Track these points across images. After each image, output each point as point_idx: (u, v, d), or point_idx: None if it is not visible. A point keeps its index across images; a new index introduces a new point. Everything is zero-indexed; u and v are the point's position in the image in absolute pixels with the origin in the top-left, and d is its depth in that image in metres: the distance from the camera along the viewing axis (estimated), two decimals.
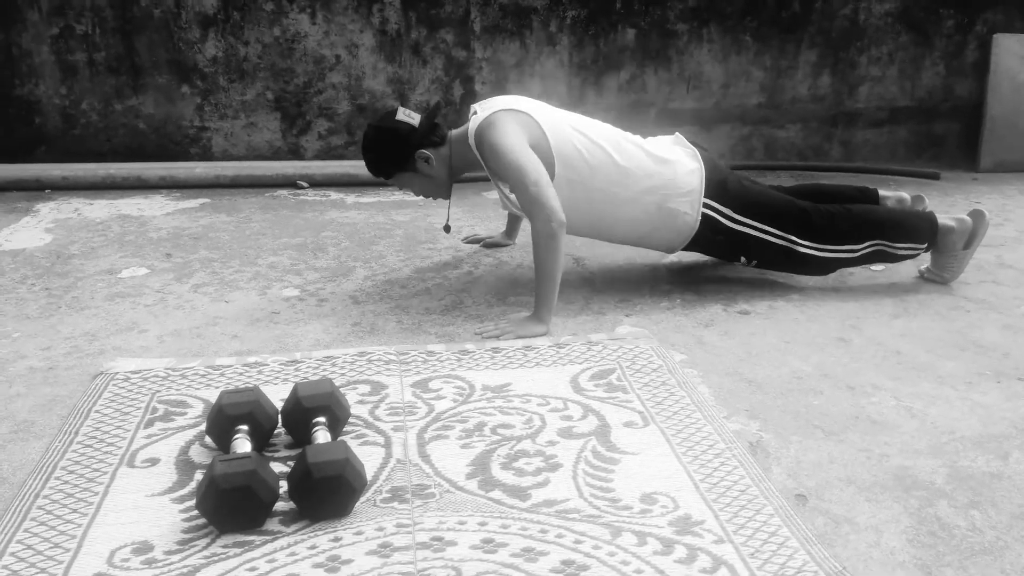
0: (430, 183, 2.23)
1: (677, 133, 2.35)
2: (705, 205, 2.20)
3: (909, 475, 1.44)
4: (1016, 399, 1.72)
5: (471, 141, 2.12)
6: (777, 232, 2.23)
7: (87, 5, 3.39)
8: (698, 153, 2.24)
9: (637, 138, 2.24)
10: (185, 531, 1.26)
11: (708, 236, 2.23)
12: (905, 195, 2.46)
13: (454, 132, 2.23)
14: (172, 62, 3.50)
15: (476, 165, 2.18)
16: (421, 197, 2.29)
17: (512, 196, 2.16)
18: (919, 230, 2.29)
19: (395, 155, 2.17)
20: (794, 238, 2.23)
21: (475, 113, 2.15)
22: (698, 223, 2.21)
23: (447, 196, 2.30)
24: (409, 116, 2.16)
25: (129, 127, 3.55)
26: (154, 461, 1.44)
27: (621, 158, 2.15)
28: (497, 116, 2.08)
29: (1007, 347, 1.98)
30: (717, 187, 2.21)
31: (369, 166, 2.23)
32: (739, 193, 2.23)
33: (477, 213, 3.07)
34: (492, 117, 2.08)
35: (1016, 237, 2.90)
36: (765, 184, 2.43)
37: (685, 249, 2.32)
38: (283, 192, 3.40)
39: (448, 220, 2.47)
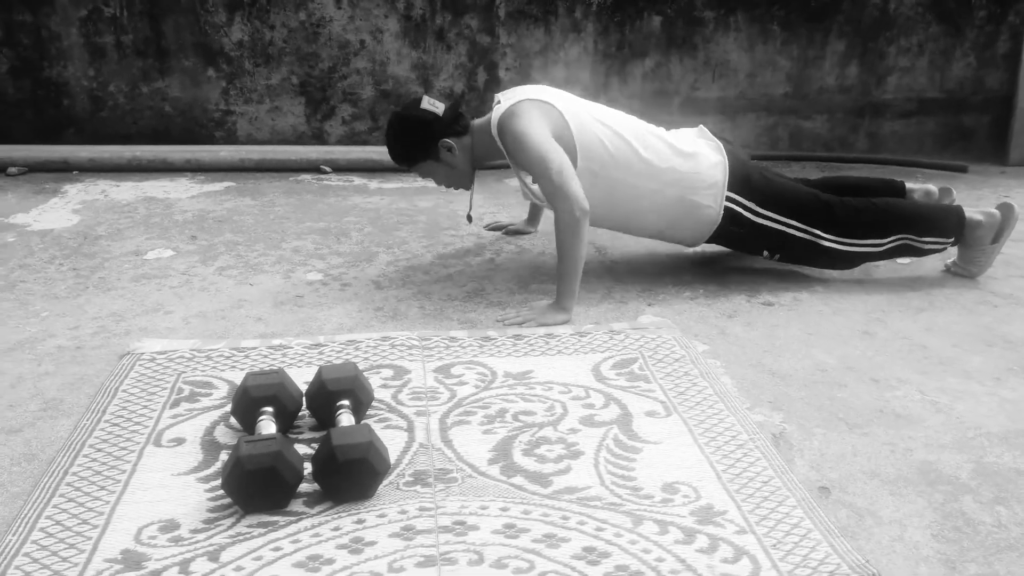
0: (453, 172, 2.23)
1: (701, 126, 2.34)
2: (728, 199, 2.18)
3: (934, 469, 1.43)
4: None
5: (494, 131, 2.12)
6: (800, 226, 2.21)
7: None
8: (722, 146, 2.23)
9: (660, 130, 2.23)
10: (211, 510, 1.27)
11: (731, 229, 2.22)
12: (933, 188, 2.43)
13: (477, 121, 2.22)
14: (198, 45, 3.51)
15: (498, 154, 2.18)
16: (443, 186, 2.29)
17: (534, 187, 2.16)
18: (946, 224, 2.27)
19: (419, 143, 2.18)
20: (818, 232, 2.21)
21: (498, 103, 2.15)
22: (721, 216, 2.19)
23: (469, 186, 2.30)
24: (433, 105, 2.17)
25: (155, 110, 3.57)
26: (180, 441, 1.46)
27: (644, 150, 2.14)
28: (520, 106, 2.08)
29: None
30: (740, 180, 2.19)
31: (392, 154, 2.23)
32: (762, 187, 2.21)
33: (499, 200, 3.07)
34: (515, 107, 2.08)
35: None
36: (790, 177, 2.41)
37: (708, 242, 2.30)
38: (307, 177, 3.42)
39: (470, 210, 2.47)
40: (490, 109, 2.19)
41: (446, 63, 3.66)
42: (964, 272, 2.36)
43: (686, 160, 2.17)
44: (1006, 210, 2.28)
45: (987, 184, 3.49)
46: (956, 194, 2.45)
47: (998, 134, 3.99)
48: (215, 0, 3.46)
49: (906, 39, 3.88)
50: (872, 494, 1.35)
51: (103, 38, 3.46)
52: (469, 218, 2.46)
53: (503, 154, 2.15)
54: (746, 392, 1.69)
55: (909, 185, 2.44)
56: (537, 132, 2.03)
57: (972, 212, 2.28)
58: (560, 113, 2.10)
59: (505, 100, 2.14)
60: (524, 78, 3.70)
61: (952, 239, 2.28)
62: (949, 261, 2.41)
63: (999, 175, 3.69)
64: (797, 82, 3.88)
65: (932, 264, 2.43)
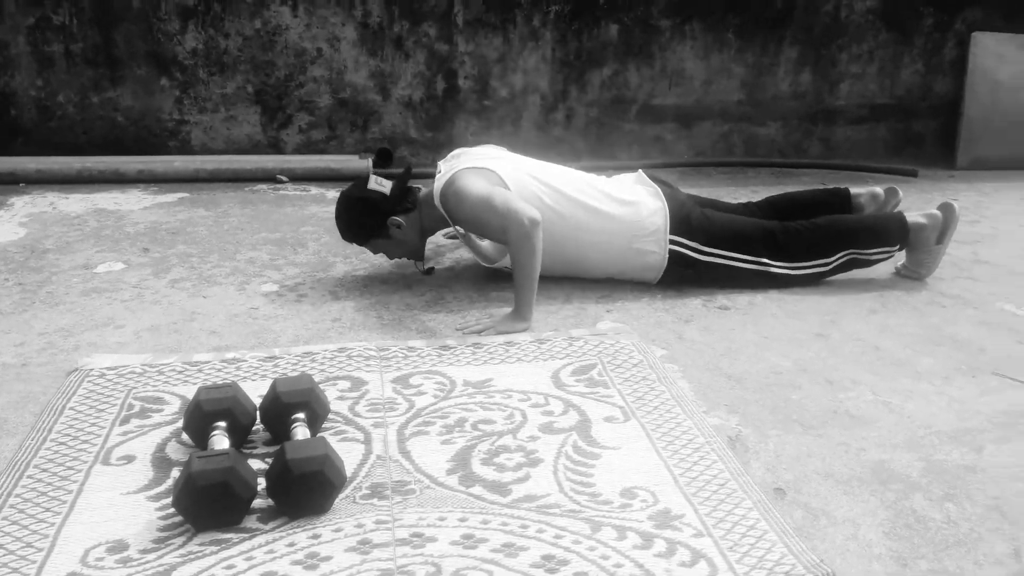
0: (403, 246, 2.27)
1: (640, 171, 2.39)
2: (672, 242, 2.22)
3: (886, 468, 1.45)
4: (991, 394, 1.74)
5: (436, 201, 2.16)
6: (748, 258, 2.26)
7: None
8: (660, 191, 2.27)
9: (600, 181, 2.29)
10: (161, 529, 1.24)
11: (681, 270, 2.26)
12: (878, 189, 2.48)
13: (423, 192, 2.26)
14: (151, 54, 3.46)
15: (444, 223, 2.23)
16: (395, 259, 2.32)
17: (483, 243, 2.24)
18: (889, 232, 2.32)
19: (367, 223, 2.22)
20: (765, 260, 2.26)
21: (440, 172, 2.20)
22: (667, 260, 2.23)
23: (420, 257, 2.34)
24: (380, 184, 2.22)
25: (107, 119, 3.50)
26: (130, 458, 1.42)
27: (586, 204, 2.21)
28: (459, 174, 2.13)
29: (982, 342, 2.00)
30: (682, 223, 2.23)
31: (342, 233, 2.28)
32: (704, 226, 2.25)
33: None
34: (454, 175, 2.13)
35: (991, 234, 2.93)
36: (732, 205, 2.45)
37: (661, 283, 2.29)
38: (263, 186, 3.38)
39: (425, 266, 2.37)
40: (437, 170, 2.22)
41: (404, 71, 3.65)
42: (913, 274, 2.41)
43: (627, 209, 2.23)
44: (947, 210, 2.34)
45: (936, 188, 3.57)
46: (902, 193, 2.50)
47: (946, 139, 4.09)
48: (168, 8, 3.41)
49: (857, 46, 3.96)
50: (826, 494, 1.37)
51: (51, 47, 3.39)
52: (427, 271, 2.36)
53: (448, 222, 2.19)
54: (703, 396, 1.70)
55: (854, 190, 2.48)
56: (477, 188, 2.08)
57: (914, 216, 2.33)
58: (500, 178, 2.15)
59: (446, 169, 2.19)
60: (483, 86, 3.70)
61: (897, 245, 2.33)
62: (899, 264, 2.46)
63: (948, 179, 3.78)
64: (751, 89, 3.94)
65: (883, 267, 2.47)
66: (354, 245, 2.35)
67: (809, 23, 3.89)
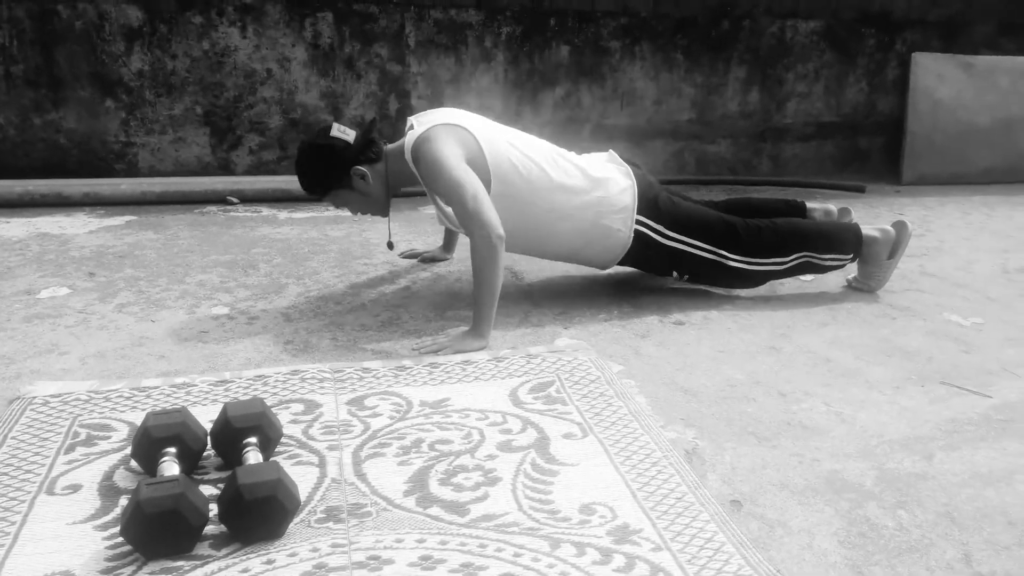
0: (367, 200, 2.20)
1: (611, 151, 2.38)
2: (637, 222, 2.23)
3: (839, 478, 1.47)
4: (939, 402, 1.78)
5: (408, 156, 2.10)
6: (707, 247, 2.27)
7: (3, 16, 3.27)
8: (631, 171, 2.28)
9: (572, 155, 2.26)
10: (109, 559, 1.20)
11: (641, 252, 2.26)
12: (832, 207, 2.54)
13: (390, 147, 2.20)
14: (95, 75, 3.39)
15: (413, 180, 2.16)
16: (358, 214, 2.26)
17: (448, 210, 2.15)
18: (844, 241, 2.36)
19: (330, 172, 2.14)
20: (724, 252, 2.28)
21: (411, 127, 2.14)
22: (631, 240, 2.23)
23: (385, 213, 2.27)
24: (344, 132, 2.13)
25: (49, 142, 3.42)
26: (76, 488, 1.38)
27: (556, 175, 2.17)
28: (434, 131, 2.07)
29: (930, 352, 2.05)
30: (649, 204, 2.24)
31: (303, 184, 2.18)
32: (670, 210, 2.27)
33: (414, 228, 3.05)
34: (429, 132, 2.07)
35: (937, 247, 3.02)
36: (697, 200, 2.48)
37: (619, 264, 2.34)
38: (213, 208, 3.33)
39: (390, 236, 2.44)
40: (404, 134, 2.17)
41: (356, 91, 3.64)
42: (864, 287, 2.46)
43: (597, 185, 2.21)
44: (900, 228, 2.40)
45: (883, 203, 3.67)
46: (855, 213, 2.56)
47: (891, 155, 4.22)
48: (112, 29, 3.35)
49: (803, 66, 4.07)
50: (782, 505, 1.38)
51: None
52: (390, 245, 2.42)
53: (417, 180, 2.13)
54: (660, 410, 1.71)
55: (810, 205, 2.54)
56: (451, 158, 2.03)
57: (868, 229, 2.38)
58: (474, 138, 2.10)
59: (419, 125, 2.12)
60: (436, 106, 3.70)
61: (851, 255, 2.38)
62: (850, 277, 2.51)
63: (894, 194, 3.89)
64: (701, 108, 4.02)
65: (834, 280, 2.53)
66: (304, 264, 2.32)
67: (755, 44, 3.98)
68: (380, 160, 2.17)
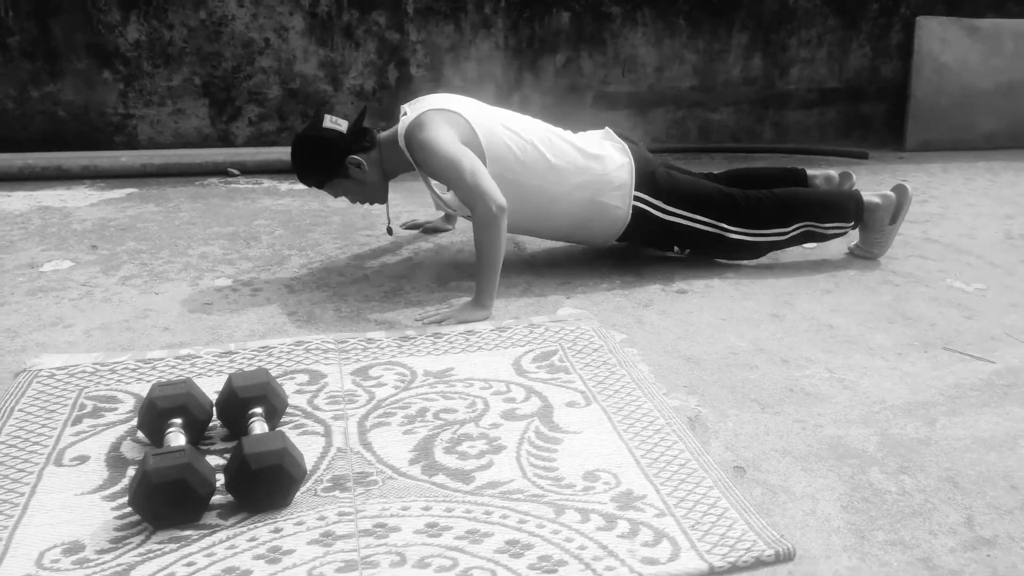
0: (364, 188, 2.20)
1: (607, 128, 2.37)
2: (636, 198, 2.22)
3: (842, 444, 1.48)
4: (942, 368, 1.78)
5: (401, 143, 2.10)
6: (707, 220, 2.27)
7: None
8: (627, 147, 2.27)
9: (568, 133, 2.26)
10: (118, 529, 1.21)
11: (640, 228, 2.26)
12: (833, 173, 2.52)
13: (383, 134, 2.20)
14: (91, 46, 3.36)
15: (408, 166, 2.16)
16: (357, 203, 2.26)
17: (446, 196, 2.17)
18: (845, 209, 2.35)
19: (325, 163, 2.14)
20: (724, 225, 2.27)
21: (404, 114, 2.13)
22: (630, 216, 2.23)
23: (383, 200, 2.27)
24: (336, 123, 2.14)
25: (47, 115, 3.40)
26: (83, 459, 1.39)
27: (552, 155, 2.16)
28: (426, 116, 2.07)
29: (933, 318, 2.05)
30: (647, 180, 2.23)
31: (300, 176, 2.19)
32: (668, 185, 2.26)
33: (416, 199, 3.04)
34: (421, 117, 2.07)
35: (940, 213, 3.01)
36: (695, 172, 2.46)
37: (619, 241, 2.33)
38: (213, 180, 3.31)
39: (389, 222, 2.43)
40: (400, 112, 2.16)
41: (355, 60, 3.60)
42: (866, 254, 2.46)
43: (593, 163, 2.20)
44: (901, 192, 2.39)
45: (886, 170, 3.64)
46: (856, 178, 2.54)
47: (895, 121, 4.18)
48: None
49: (806, 31, 4.02)
50: (785, 471, 1.39)
51: None
52: (389, 231, 2.42)
53: (412, 166, 2.13)
54: (662, 378, 1.71)
55: (810, 172, 2.52)
56: (445, 138, 2.02)
57: (869, 195, 2.37)
58: (467, 121, 2.10)
59: (411, 111, 2.12)
60: (436, 75, 3.68)
61: (852, 223, 2.37)
62: (852, 244, 2.50)
63: (897, 160, 3.86)
64: (704, 75, 3.98)
65: (836, 247, 2.52)
66: (307, 235, 2.32)
67: (758, 9, 3.93)
68: (374, 148, 2.17)
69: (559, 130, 2.25)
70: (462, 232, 2.65)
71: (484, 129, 2.11)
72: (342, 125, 2.13)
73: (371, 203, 2.27)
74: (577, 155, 2.19)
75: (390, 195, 2.28)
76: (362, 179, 2.16)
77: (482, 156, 2.08)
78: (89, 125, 3.45)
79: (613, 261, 2.42)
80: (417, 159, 2.08)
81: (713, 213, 2.27)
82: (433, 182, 2.15)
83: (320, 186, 2.20)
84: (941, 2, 4.09)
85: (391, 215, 2.50)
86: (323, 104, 3.61)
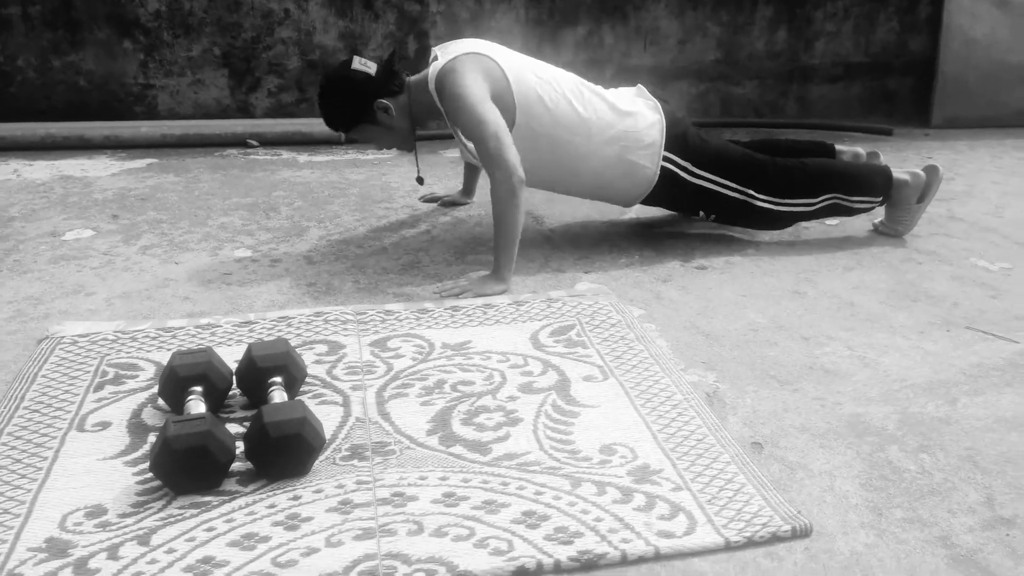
0: (392, 134, 2.16)
1: (639, 85, 2.33)
2: (665, 159, 2.19)
3: (861, 422, 1.47)
4: (964, 347, 1.76)
5: (431, 87, 2.05)
6: (735, 186, 2.23)
7: None
8: (659, 106, 2.23)
9: (599, 88, 2.21)
10: (139, 494, 1.23)
11: (667, 190, 2.23)
12: (860, 150, 2.48)
13: (413, 79, 2.15)
14: (112, 16, 3.36)
15: (437, 113, 2.12)
16: (383, 150, 2.22)
17: (471, 144, 2.13)
18: (874, 184, 2.32)
19: (353, 106, 2.10)
20: (752, 192, 2.24)
21: (435, 58, 2.08)
22: (657, 176, 2.20)
23: (411, 147, 2.24)
24: (365, 65, 2.09)
25: (69, 84, 3.41)
26: (105, 425, 1.41)
27: (583, 108, 2.12)
28: (458, 61, 2.02)
29: (956, 297, 2.02)
30: (677, 141, 2.20)
31: (326, 119, 2.15)
32: (698, 147, 2.22)
33: (434, 172, 3.03)
34: (453, 62, 2.02)
35: (966, 191, 2.96)
36: (724, 138, 2.43)
37: (644, 203, 2.31)
38: (233, 151, 3.32)
39: (419, 172, 2.40)
40: (431, 57, 2.11)
41: (375, 32, 3.58)
42: (891, 231, 2.42)
43: (624, 119, 2.16)
44: (931, 172, 2.35)
45: (911, 147, 3.58)
46: (883, 156, 2.50)
47: (921, 97, 4.10)
48: None
49: (832, 4, 3.94)
50: (803, 448, 1.39)
51: (8, 9, 3.28)
52: (420, 180, 2.39)
53: (441, 113, 2.10)
54: (680, 354, 1.70)
55: (838, 147, 2.48)
56: (475, 93, 1.98)
57: (899, 172, 2.33)
58: (500, 68, 2.05)
59: (443, 55, 2.07)
60: None
61: (880, 198, 2.34)
62: (876, 221, 2.47)
63: (923, 137, 3.80)
64: (727, 48, 3.92)
65: (860, 224, 2.49)
66: (325, 207, 2.31)
67: None
68: (403, 92, 2.13)
69: (591, 84, 2.21)
70: (480, 206, 2.64)
71: (517, 76, 2.06)
72: (371, 67, 2.09)
73: (399, 149, 2.24)
74: (608, 110, 2.15)
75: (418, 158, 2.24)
76: (390, 124, 2.12)
77: (513, 105, 2.04)
78: (110, 95, 3.45)
79: (632, 236, 2.41)
80: (445, 107, 2.04)
81: (742, 179, 2.23)
82: (462, 132, 2.13)
83: (347, 130, 2.16)
84: None
85: (419, 165, 2.45)
86: None
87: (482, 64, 2.03)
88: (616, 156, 2.16)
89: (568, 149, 2.14)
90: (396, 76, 2.12)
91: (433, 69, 2.05)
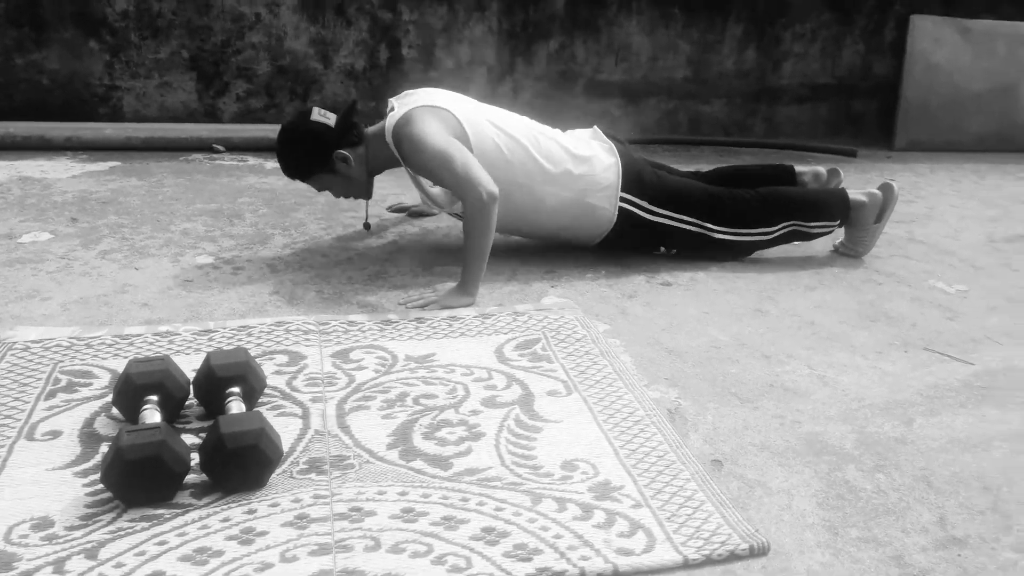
0: (349, 184, 2.18)
1: (595, 127, 2.37)
2: (622, 199, 2.22)
3: (820, 440, 1.48)
4: (921, 368, 1.79)
5: (388, 138, 2.08)
6: (692, 220, 2.27)
7: None
8: (615, 147, 2.26)
9: (555, 133, 2.25)
10: (89, 505, 1.20)
11: (626, 229, 2.26)
12: (821, 169, 2.52)
13: (370, 129, 2.18)
14: (78, 15, 3.31)
15: (394, 162, 2.15)
16: (340, 197, 2.24)
17: (433, 190, 2.16)
18: (831, 207, 2.36)
19: (312, 156, 2.12)
20: (709, 225, 2.28)
21: (392, 108, 2.12)
22: (616, 217, 2.22)
23: (367, 196, 2.26)
24: (324, 116, 2.12)
25: (31, 83, 3.35)
26: (56, 434, 1.37)
27: (539, 154, 2.16)
28: (414, 112, 2.05)
29: (915, 318, 2.05)
30: (633, 180, 2.23)
31: (285, 168, 2.18)
32: (655, 185, 2.26)
33: (402, 182, 3.01)
34: (409, 113, 2.05)
35: (926, 213, 3.02)
36: (682, 172, 2.46)
37: (603, 243, 2.31)
38: (198, 156, 3.28)
39: (367, 218, 2.40)
40: (388, 107, 2.14)
41: (346, 39, 3.56)
42: (851, 252, 2.46)
43: (581, 164, 2.20)
44: (887, 190, 2.39)
45: (875, 168, 3.65)
46: (844, 175, 2.54)
47: (885, 120, 4.19)
48: None
49: (800, 25, 4.01)
50: (762, 466, 1.39)
51: None
52: (367, 226, 2.39)
53: (399, 162, 2.11)
54: (644, 369, 1.71)
55: (799, 168, 2.52)
56: (434, 133, 2.01)
57: (855, 194, 2.38)
58: (456, 118, 2.08)
59: (399, 106, 2.10)
60: (427, 56, 3.65)
61: (838, 221, 2.37)
62: (837, 242, 2.51)
63: (886, 159, 3.87)
64: (697, 66, 3.97)
65: (821, 245, 2.52)
66: (291, 215, 2.30)
67: (753, 1, 3.92)
68: (361, 143, 2.15)
69: (547, 129, 2.25)
70: (448, 217, 2.63)
71: (473, 128, 2.10)
72: (330, 119, 2.12)
73: (355, 198, 2.25)
74: (564, 155, 2.19)
75: (376, 181, 2.26)
76: (348, 174, 2.15)
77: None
78: (74, 95, 3.39)
79: (599, 252, 2.41)
80: (404, 154, 2.06)
81: (699, 213, 2.27)
82: (421, 178, 2.14)
83: (304, 180, 2.19)
84: (937, 2, 4.09)
85: (370, 212, 2.46)
86: (312, 82, 3.58)
87: (439, 115, 2.07)
88: (574, 200, 2.20)
89: (527, 196, 2.17)
90: (355, 127, 2.15)
91: (390, 120, 2.08)
